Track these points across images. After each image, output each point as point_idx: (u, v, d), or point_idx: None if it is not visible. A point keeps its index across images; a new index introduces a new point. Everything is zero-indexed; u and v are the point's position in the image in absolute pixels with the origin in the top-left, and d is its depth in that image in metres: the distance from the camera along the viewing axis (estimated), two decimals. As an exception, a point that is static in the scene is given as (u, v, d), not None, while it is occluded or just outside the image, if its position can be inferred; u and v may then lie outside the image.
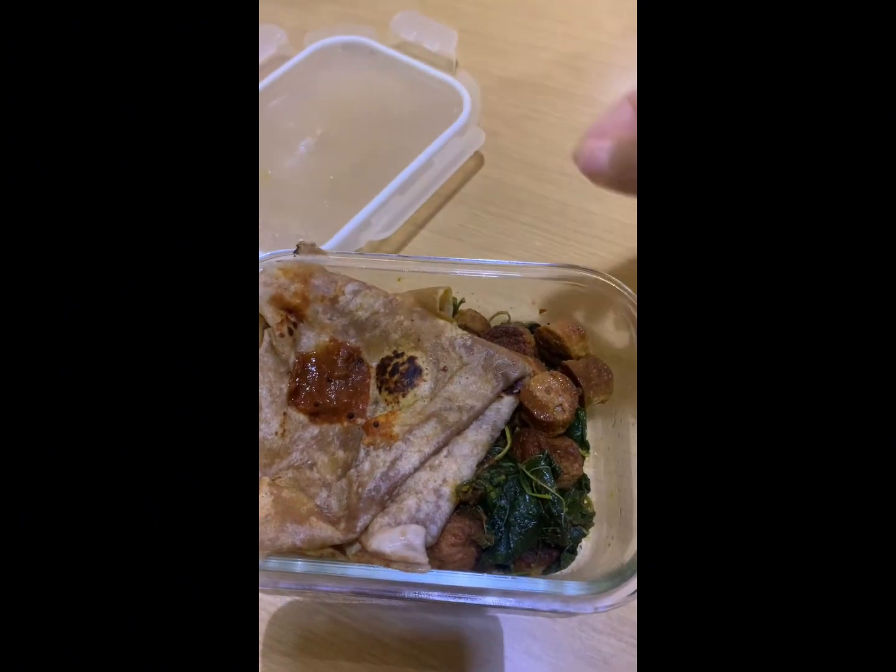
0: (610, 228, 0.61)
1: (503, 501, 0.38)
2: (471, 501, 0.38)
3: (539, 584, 0.35)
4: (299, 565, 0.35)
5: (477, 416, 0.40)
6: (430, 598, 0.35)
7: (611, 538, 0.39)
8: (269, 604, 0.45)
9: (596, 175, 0.39)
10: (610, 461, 0.42)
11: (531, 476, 0.38)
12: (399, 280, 0.46)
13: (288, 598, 0.45)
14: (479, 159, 0.67)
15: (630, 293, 0.43)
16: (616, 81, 0.74)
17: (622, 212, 0.62)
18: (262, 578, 0.34)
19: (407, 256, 0.46)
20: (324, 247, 0.55)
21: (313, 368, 0.43)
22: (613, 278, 0.43)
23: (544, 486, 0.38)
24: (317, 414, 0.42)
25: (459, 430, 0.39)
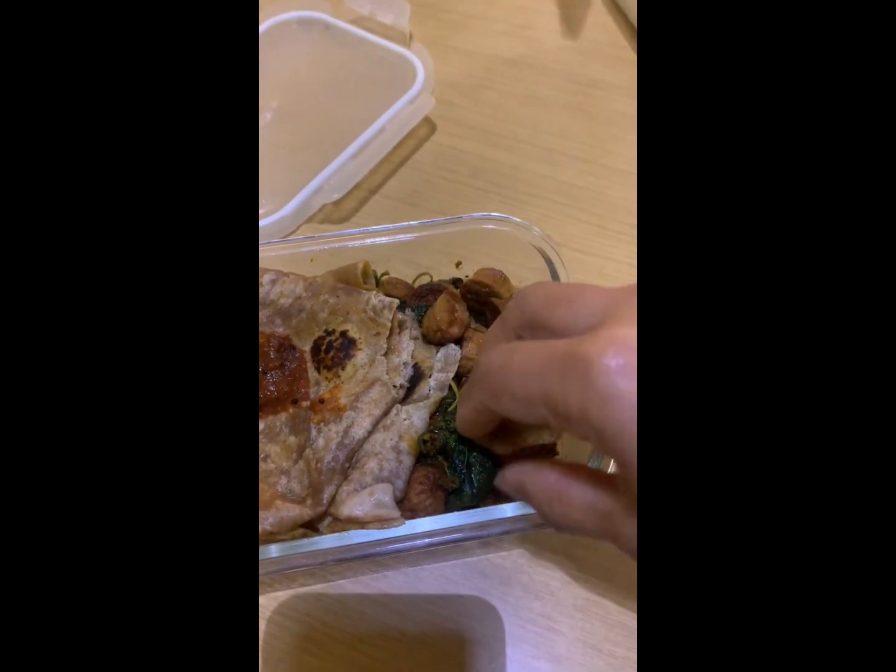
0: (561, 191, 0.63)
1: (461, 445, 0.39)
2: (431, 452, 0.40)
3: (508, 509, 0.36)
4: (273, 549, 0.36)
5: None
6: (413, 546, 0.35)
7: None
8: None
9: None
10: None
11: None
12: (312, 261, 0.46)
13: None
14: (431, 128, 0.68)
15: (528, 224, 0.46)
16: (566, 50, 0.75)
17: (572, 174, 0.64)
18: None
19: (313, 236, 0.47)
20: (281, 212, 0.57)
21: None
22: (511, 217, 0.47)
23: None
24: (259, 408, 0.42)
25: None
